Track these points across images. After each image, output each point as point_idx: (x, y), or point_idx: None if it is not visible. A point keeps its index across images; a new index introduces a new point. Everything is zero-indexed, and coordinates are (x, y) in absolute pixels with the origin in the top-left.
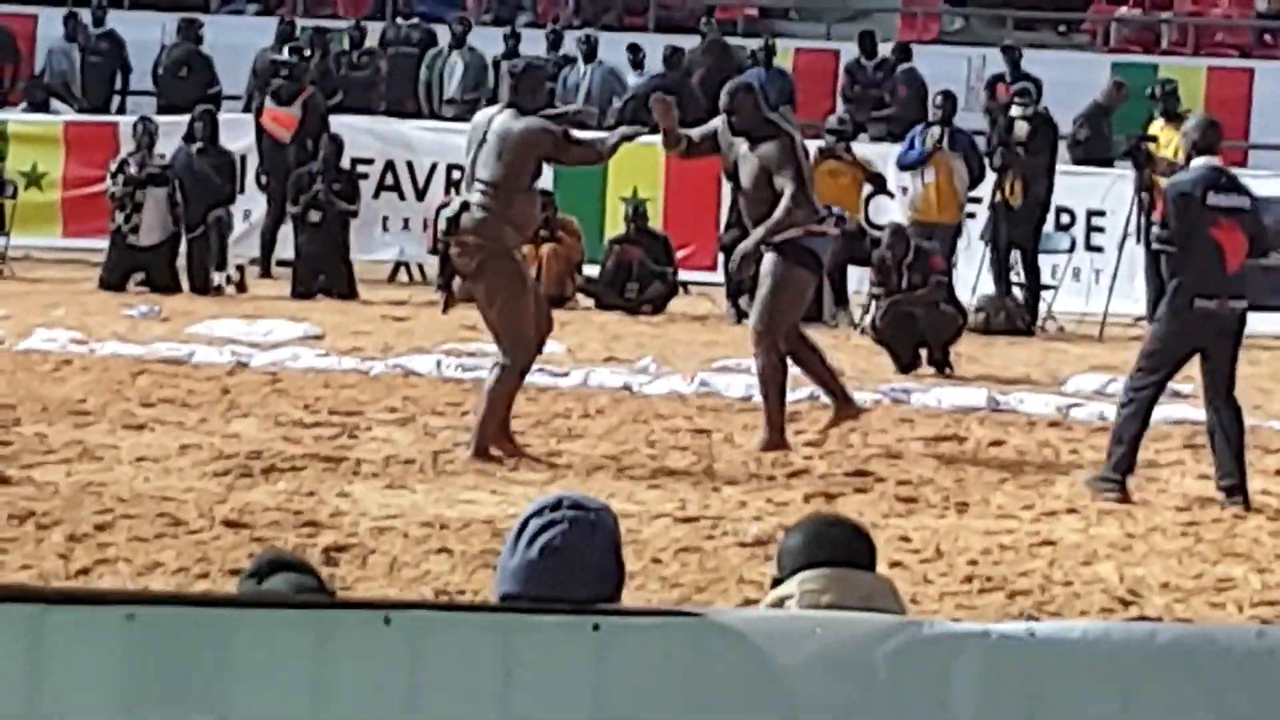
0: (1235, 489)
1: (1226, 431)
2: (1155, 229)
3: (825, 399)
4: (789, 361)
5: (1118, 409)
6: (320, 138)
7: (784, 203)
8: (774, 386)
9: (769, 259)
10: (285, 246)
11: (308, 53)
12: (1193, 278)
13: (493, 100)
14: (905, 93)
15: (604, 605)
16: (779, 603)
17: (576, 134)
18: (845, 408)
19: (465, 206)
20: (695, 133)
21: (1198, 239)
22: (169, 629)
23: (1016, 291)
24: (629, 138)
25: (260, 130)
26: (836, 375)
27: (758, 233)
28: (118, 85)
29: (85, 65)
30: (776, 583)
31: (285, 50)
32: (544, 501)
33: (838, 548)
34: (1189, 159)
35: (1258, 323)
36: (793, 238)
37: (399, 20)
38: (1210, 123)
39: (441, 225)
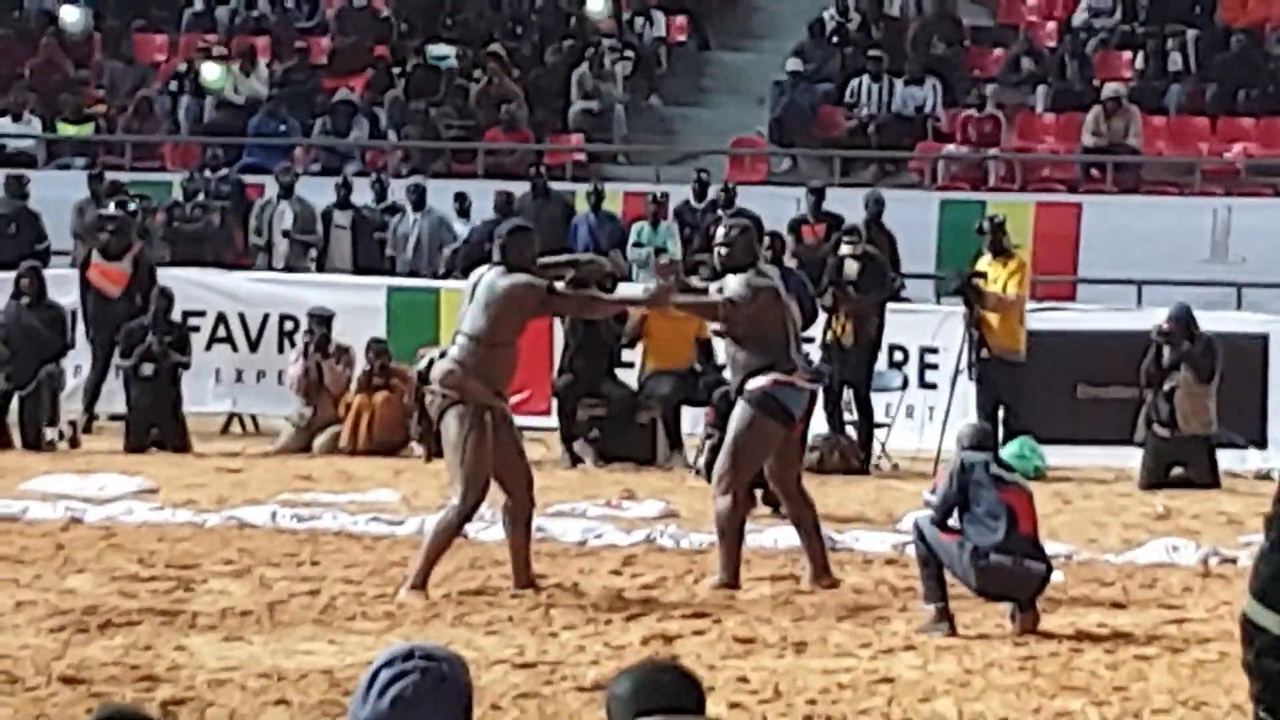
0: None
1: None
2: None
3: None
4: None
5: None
6: (150, 292)
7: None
8: (730, 530)
9: (740, 406)
10: (117, 401)
11: (133, 207)
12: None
13: (325, 249)
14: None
15: None
16: None
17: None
18: (821, 577)
19: (443, 356)
20: (712, 287)
21: (986, 503)
22: None
23: (850, 430)
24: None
25: (85, 285)
26: (824, 544)
27: (684, 299)
28: None
29: None
30: None
31: (111, 205)
32: (395, 652)
33: (666, 694)
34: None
35: (1095, 457)
36: (763, 387)
37: (208, 173)
38: (981, 429)
39: (415, 374)
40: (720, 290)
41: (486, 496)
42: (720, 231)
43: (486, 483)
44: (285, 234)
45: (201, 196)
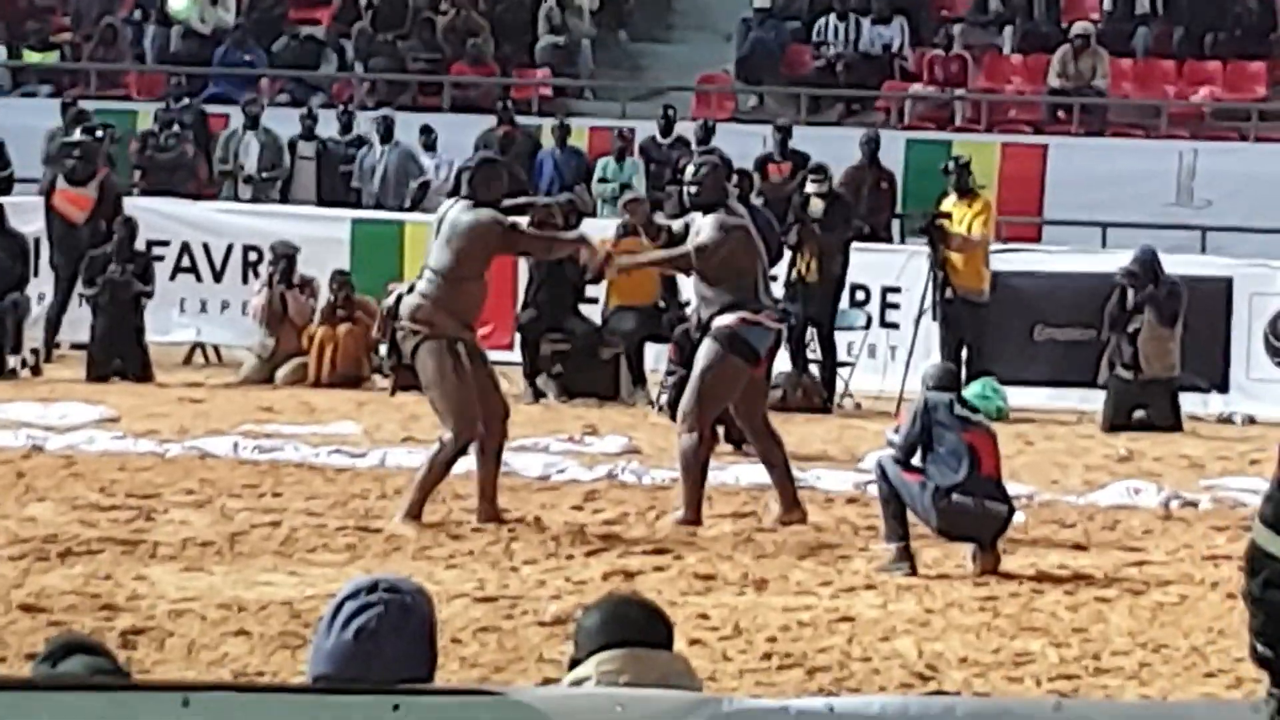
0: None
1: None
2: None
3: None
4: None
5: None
6: (115, 219)
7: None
8: (694, 466)
9: (706, 344)
10: (80, 329)
11: (99, 134)
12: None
13: (289, 181)
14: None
15: (405, 685)
16: (577, 684)
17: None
18: (791, 510)
19: (410, 291)
20: (678, 224)
21: (949, 443)
22: None
23: (813, 368)
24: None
25: (50, 211)
26: (793, 480)
27: (650, 255)
28: None
29: None
30: (574, 664)
31: (78, 131)
32: (359, 584)
33: (634, 628)
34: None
35: (1053, 398)
36: (730, 326)
37: (170, 103)
38: (947, 369)
39: (384, 310)
40: (688, 226)
41: (493, 424)
42: (690, 169)
43: (476, 411)
44: (249, 179)
45: (176, 127)
